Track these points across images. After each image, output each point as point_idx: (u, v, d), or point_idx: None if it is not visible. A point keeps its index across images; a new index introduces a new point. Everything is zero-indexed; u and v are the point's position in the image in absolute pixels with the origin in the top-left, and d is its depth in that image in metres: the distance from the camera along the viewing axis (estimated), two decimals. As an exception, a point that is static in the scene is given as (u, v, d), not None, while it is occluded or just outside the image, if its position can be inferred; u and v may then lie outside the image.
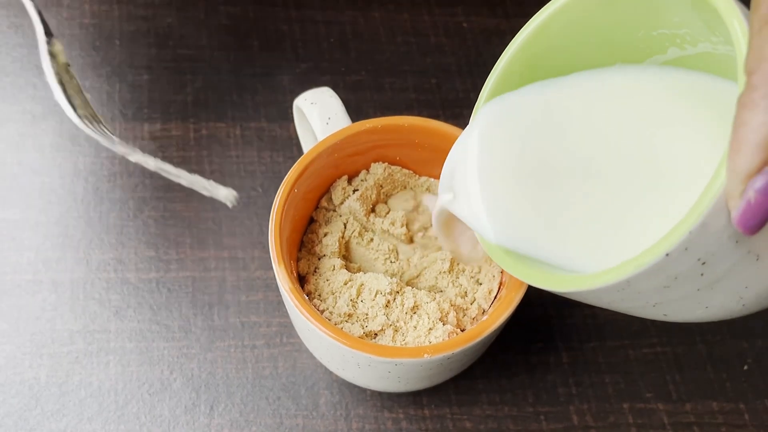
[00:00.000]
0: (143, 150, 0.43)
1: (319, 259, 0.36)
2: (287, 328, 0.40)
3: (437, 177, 0.38)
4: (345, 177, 0.37)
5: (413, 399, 0.38)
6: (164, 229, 0.42)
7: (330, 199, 0.37)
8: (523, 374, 0.39)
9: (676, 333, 0.40)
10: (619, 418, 0.38)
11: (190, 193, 0.42)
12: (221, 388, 0.38)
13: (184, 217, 0.42)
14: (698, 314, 0.25)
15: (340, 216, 0.37)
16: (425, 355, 0.29)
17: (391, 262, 0.36)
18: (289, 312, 0.34)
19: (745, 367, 0.39)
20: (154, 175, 0.43)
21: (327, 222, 0.37)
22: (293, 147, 0.45)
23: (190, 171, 0.43)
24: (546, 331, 0.40)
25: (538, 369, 0.39)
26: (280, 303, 0.40)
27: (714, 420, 0.38)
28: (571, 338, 0.40)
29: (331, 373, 0.38)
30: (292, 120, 0.46)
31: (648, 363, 0.39)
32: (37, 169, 0.43)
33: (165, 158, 0.43)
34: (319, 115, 0.35)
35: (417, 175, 0.38)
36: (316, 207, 0.38)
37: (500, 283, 0.35)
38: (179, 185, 0.42)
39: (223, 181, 0.43)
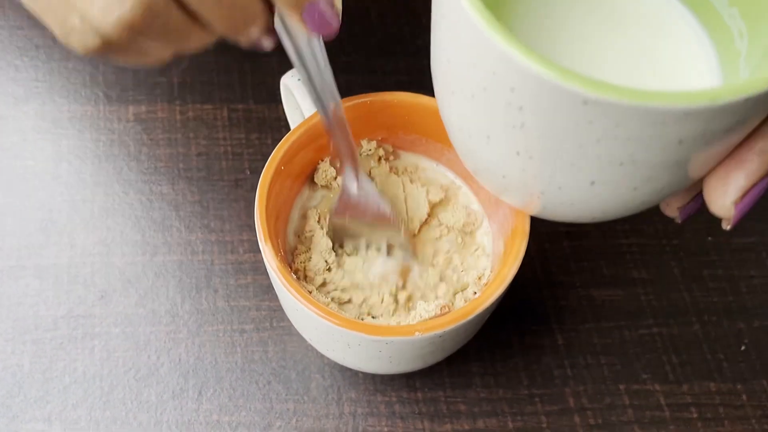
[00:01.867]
0: (128, 134, 0.43)
1: (307, 238, 0.35)
2: (277, 312, 0.39)
3: (427, 155, 0.37)
4: (328, 158, 0.36)
5: (406, 382, 0.37)
6: (150, 212, 0.41)
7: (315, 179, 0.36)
8: (517, 356, 0.38)
9: (672, 314, 0.40)
10: (616, 400, 0.37)
11: (176, 175, 0.42)
12: (210, 372, 0.37)
13: (171, 199, 0.42)
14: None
15: (332, 196, 0.36)
16: (416, 333, 0.29)
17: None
18: (277, 292, 0.33)
19: (742, 348, 0.39)
20: (139, 158, 0.43)
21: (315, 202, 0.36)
22: (282, 129, 0.44)
23: (177, 154, 0.43)
24: (541, 313, 0.40)
25: (532, 351, 0.39)
26: (270, 287, 0.39)
27: (711, 401, 0.37)
28: (566, 320, 0.40)
29: (322, 356, 0.38)
30: (280, 102, 0.45)
31: (644, 344, 0.39)
32: (18, 153, 0.42)
33: (150, 141, 0.43)
34: (306, 91, 0.35)
35: (405, 152, 0.38)
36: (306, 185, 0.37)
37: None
38: (164, 166, 0.42)
39: (209, 164, 0.43)
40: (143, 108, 0.44)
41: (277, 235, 0.33)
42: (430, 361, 0.33)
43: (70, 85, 0.44)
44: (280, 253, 0.32)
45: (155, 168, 0.42)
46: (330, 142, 0.33)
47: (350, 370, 0.37)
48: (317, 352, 0.38)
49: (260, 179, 0.32)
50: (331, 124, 0.31)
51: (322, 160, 0.36)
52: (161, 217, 0.41)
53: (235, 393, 0.37)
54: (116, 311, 0.38)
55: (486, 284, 0.33)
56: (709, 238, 0.42)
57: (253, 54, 0.45)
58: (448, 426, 0.36)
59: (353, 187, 0.34)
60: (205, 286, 0.39)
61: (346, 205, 0.34)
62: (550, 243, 0.42)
